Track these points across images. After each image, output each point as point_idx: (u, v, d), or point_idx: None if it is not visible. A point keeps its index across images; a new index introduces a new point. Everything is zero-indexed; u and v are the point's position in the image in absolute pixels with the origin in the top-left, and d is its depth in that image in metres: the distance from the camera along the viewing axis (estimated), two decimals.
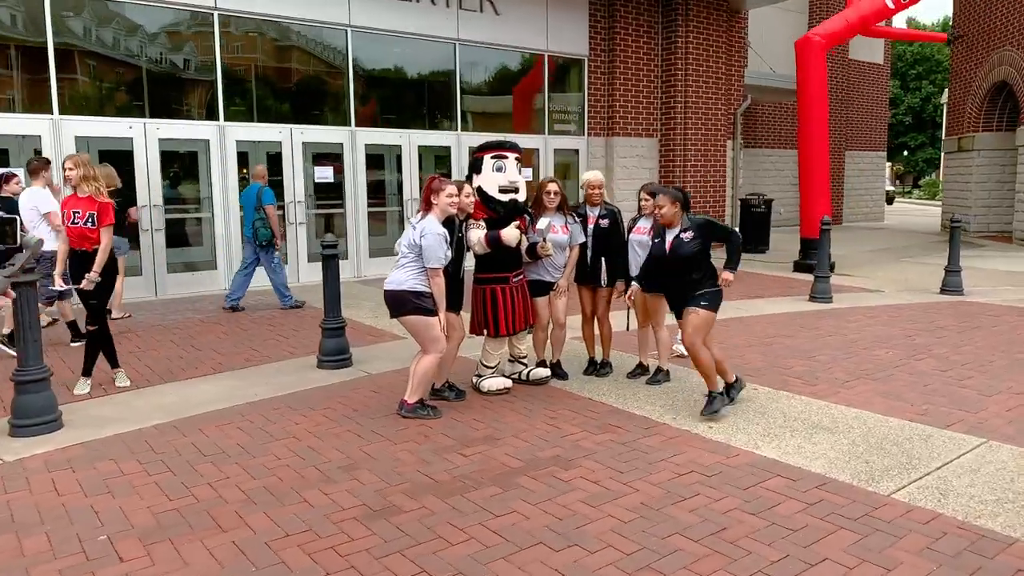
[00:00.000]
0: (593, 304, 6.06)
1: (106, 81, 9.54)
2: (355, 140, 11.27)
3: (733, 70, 15.44)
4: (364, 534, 3.41)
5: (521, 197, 5.54)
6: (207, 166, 10.17)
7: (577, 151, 14.07)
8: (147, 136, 9.58)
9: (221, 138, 10.13)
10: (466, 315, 5.54)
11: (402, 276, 4.88)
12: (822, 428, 4.83)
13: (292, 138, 10.73)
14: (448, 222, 5.08)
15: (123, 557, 3.21)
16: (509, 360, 5.89)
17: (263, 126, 10.57)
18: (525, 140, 13.34)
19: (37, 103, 8.91)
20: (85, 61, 9.31)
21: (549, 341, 5.99)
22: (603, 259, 5.93)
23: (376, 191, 11.83)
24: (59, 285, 5.35)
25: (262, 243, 8.70)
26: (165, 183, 9.97)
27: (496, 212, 5.40)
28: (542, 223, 5.47)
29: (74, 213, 5.38)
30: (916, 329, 7.95)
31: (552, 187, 5.73)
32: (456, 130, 12.35)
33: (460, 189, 5.27)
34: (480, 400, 5.44)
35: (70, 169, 5.40)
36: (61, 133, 8.98)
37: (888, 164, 44.64)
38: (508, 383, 5.62)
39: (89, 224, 5.46)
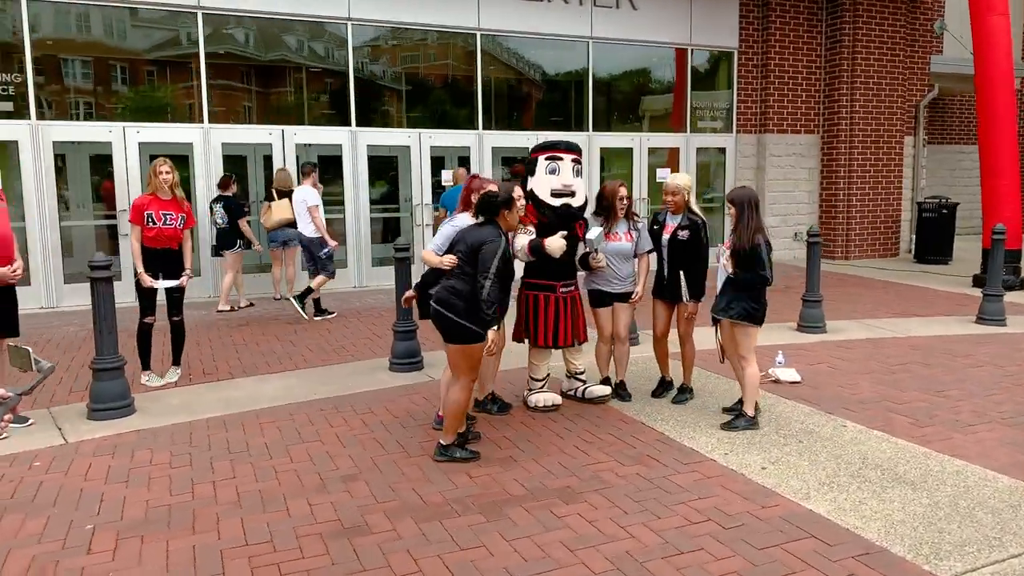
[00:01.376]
0: (668, 321, 5.51)
1: (253, 90, 10.33)
2: (482, 143, 11.30)
3: (916, 57, 13.69)
4: (318, 553, 3.29)
5: (577, 202, 5.17)
6: (342, 168, 10.67)
7: (723, 150, 13.15)
8: (284, 140, 10.21)
9: (353, 143, 10.57)
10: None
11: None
12: (903, 481, 4.03)
13: (421, 143, 10.98)
14: None
15: (92, 550, 3.33)
16: (566, 376, 5.54)
17: (382, 131, 10.92)
18: (665, 139, 12.71)
19: (273, 114, 9.80)
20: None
21: (613, 358, 5.56)
22: (681, 272, 5.34)
23: None
24: (148, 283, 5.73)
25: None
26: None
27: (546, 217, 5.07)
28: (592, 232, 5.06)
29: (165, 215, 5.77)
30: None
31: (623, 192, 5.29)
32: (587, 130, 12.00)
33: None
34: (524, 416, 5.15)
35: (167, 172, 5.78)
36: (287, 140, 9.83)
37: None
38: (558, 399, 5.27)
39: (179, 225, 5.84)
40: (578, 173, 5.21)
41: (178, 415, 5.22)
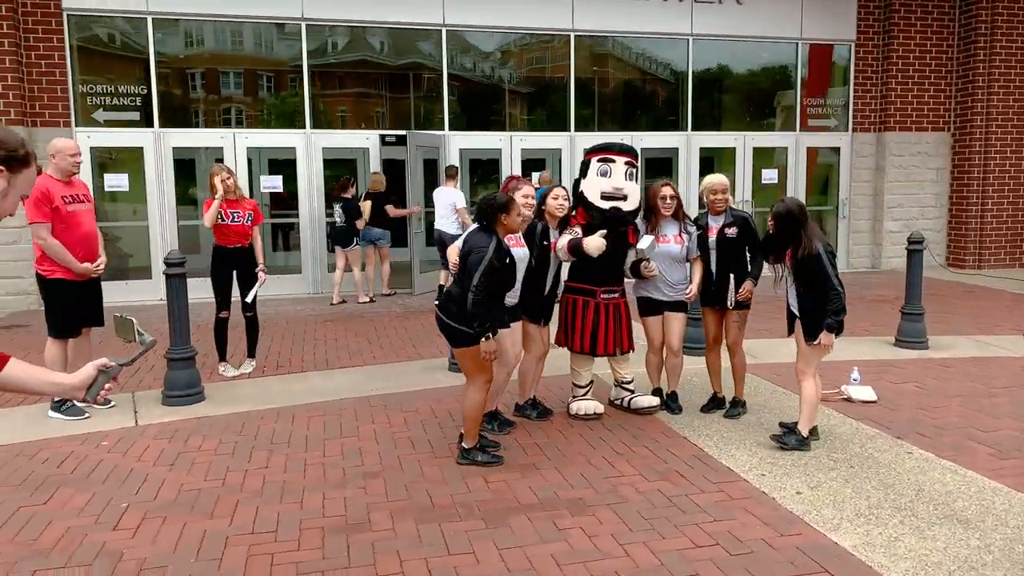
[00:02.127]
0: (719, 329, 5.24)
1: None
2: (574, 145, 11.21)
3: None
4: (313, 547, 3.38)
5: (628, 206, 5.01)
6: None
7: (837, 149, 12.34)
8: (409, 145, 10.41)
9: (446, 146, 10.79)
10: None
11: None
12: (957, 519, 3.62)
13: (512, 145, 11.04)
14: (529, 227, 4.83)
15: (118, 527, 3.60)
16: (614, 384, 5.39)
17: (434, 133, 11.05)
18: (771, 138, 12.11)
19: (370, 119, 10.39)
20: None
21: (665, 368, 5.36)
22: (732, 276, 5.08)
23: None
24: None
25: None
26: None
27: (594, 219, 4.96)
28: (643, 242, 4.89)
29: (233, 213, 6.13)
30: None
31: (667, 191, 5.09)
32: (686, 130, 11.63)
33: (549, 191, 4.97)
34: (563, 423, 5.06)
35: (228, 177, 6.15)
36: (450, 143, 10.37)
37: None
38: (600, 408, 5.14)
39: (247, 222, 6.20)
40: (631, 176, 5.05)
41: (241, 404, 5.54)
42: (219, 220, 6.11)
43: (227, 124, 10.24)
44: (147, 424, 5.13)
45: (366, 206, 9.49)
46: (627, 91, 11.86)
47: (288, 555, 3.31)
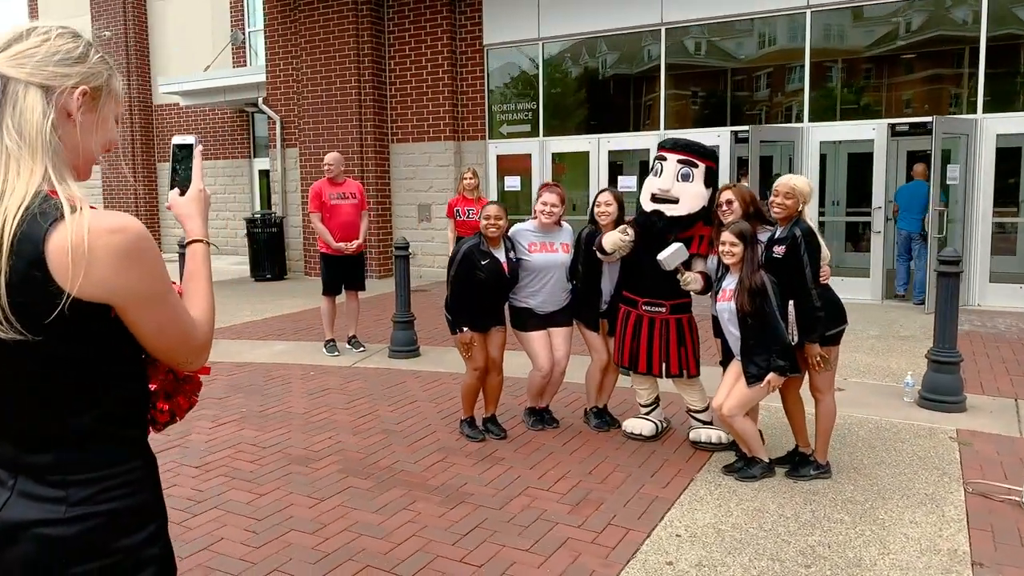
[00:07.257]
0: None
1: None
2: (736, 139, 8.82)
3: None
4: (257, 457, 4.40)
5: (676, 211, 4.40)
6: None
7: None
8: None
9: (978, 132, 8.72)
10: None
11: None
12: None
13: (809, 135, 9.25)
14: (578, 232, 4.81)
15: (214, 422, 5.18)
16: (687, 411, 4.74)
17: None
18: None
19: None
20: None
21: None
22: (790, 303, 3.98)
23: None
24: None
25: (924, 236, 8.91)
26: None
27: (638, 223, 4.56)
28: (667, 250, 4.25)
29: (468, 211, 7.27)
30: None
31: (726, 195, 4.26)
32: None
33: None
34: (614, 437, 4.77)
35: (471, 178, 7.29)
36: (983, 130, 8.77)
37: None
38: (647, 430, 4.66)
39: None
40: (686, 178, 4.42)
41: (437, 366, 6.56)
42: (458, 217, 7.36)
43: (593, 130, 11.29)
44: (358, 367, 6.69)
45: None
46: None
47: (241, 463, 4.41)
